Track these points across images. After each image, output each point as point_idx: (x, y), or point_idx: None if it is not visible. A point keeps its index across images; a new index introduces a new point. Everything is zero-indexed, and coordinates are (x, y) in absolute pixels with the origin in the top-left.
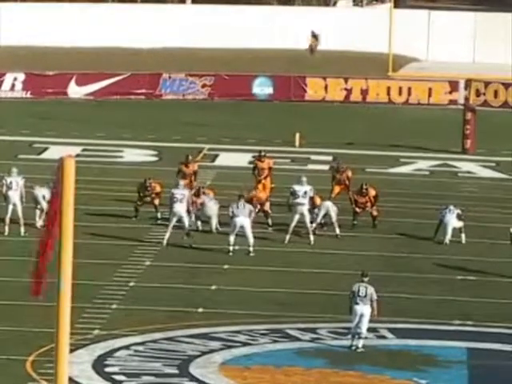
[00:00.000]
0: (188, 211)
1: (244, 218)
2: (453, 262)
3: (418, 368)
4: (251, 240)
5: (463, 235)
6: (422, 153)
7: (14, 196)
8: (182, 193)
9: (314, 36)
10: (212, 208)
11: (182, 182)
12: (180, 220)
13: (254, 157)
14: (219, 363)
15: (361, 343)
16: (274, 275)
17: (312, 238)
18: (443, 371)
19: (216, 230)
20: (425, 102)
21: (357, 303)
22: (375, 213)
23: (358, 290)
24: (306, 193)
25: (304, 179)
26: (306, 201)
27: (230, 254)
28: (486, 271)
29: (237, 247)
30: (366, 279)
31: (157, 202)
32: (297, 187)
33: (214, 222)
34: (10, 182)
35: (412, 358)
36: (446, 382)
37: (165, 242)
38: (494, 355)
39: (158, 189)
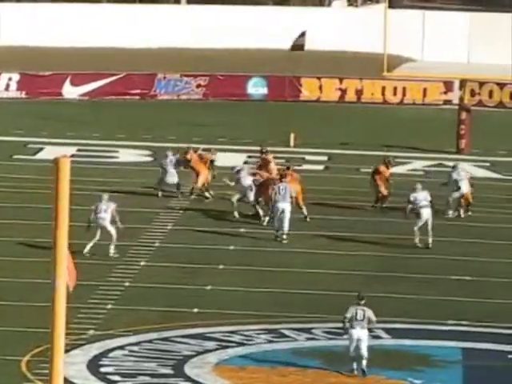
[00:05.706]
0: (113, 222)
1: (285, 203)
2: (448, 262)
3: (413, 368)
4: (286, 226)
5: (462, 210)
6: (416, 153)
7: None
8: (106, 204)
9: (303, 35)
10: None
11: (106, 195)
12: (104, 230)
13: (249, 157)
14: (214, 363)
15: (364, 364)
16: (269, 275)
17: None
18: (438, 371)
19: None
20: (419, 102)
21: (353, 327)
22: (386, 192)
23: (356, 314)
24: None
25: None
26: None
27: (278, 239)
28: (481, 271)
29: (232, 247)
30: (362, 302)
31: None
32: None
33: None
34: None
35: (407, 358)
36: (441, 382)
37: (87, 249)
38: (489, 355)
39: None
